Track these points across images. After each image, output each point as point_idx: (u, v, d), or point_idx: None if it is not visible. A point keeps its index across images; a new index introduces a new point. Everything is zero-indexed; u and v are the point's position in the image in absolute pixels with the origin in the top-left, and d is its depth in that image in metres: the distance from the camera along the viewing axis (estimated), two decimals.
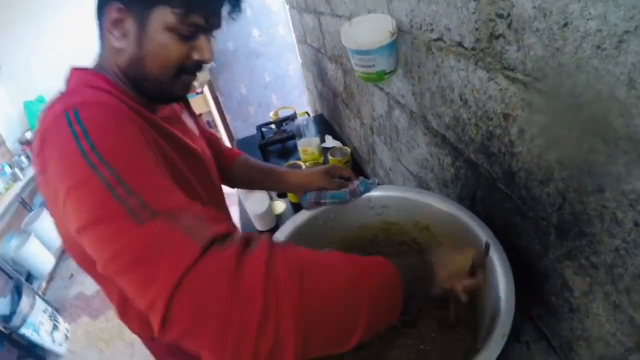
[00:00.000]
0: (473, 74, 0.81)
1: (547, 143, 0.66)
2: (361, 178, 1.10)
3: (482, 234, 0.84)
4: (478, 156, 0.89)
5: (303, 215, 1.06)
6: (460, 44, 0.83)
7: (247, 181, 1.36)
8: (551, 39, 0.58)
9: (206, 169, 1.06)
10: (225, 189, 1.25)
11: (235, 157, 1.35)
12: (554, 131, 0.64)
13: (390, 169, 1.63)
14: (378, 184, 1.08)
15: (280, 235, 0.99)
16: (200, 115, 4.45)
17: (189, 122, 1.11)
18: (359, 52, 1.08)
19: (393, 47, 1.08)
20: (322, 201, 1.07)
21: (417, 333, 0.92)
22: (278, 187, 1.30)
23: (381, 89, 1.39)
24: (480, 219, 0.87)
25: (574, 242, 0.67)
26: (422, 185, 1.30)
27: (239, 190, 1.75)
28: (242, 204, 1.91)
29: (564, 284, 0.73)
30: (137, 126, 0.73)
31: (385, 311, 0.65)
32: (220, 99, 4.22)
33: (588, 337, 0.71)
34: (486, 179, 0.89)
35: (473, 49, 0.79)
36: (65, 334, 3.19)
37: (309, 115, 2.29)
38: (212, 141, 1.28)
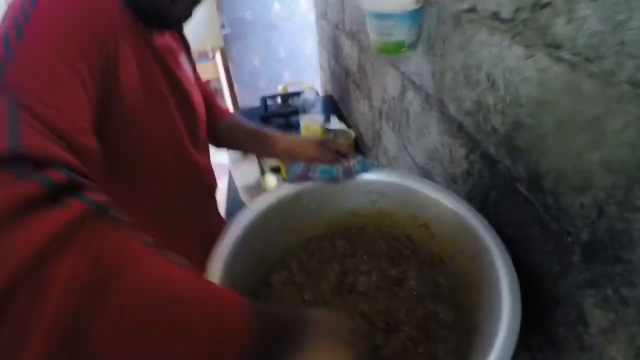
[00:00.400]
0: (507, 50, 0.69)
1: (592, 140, 0.54)
2: (359, 156, 0.96)
3: (490, 242, 0.71)
4: (499, 150, 0.77)
5: (286, 189, 0.93)
6: (495, 15, 0.71)
7: (232, 142, 1.23)
8: (612, 11, 0.47)
9: (192, 110, 0.97)
10: (217, 158, 1.13)
11: (226, 115, 1.23)
12: (604, 125, 0.51)
13: (393, 158, 1.52)
14: (378, 167, 0.95)
15: (253, 210, 0.86)
16: (208, 81, 4.37)
17: (186, 66, 1.01)
18: (377, 17, 0.96)
19: (417, 16, 0.95)
20: (310, 175, 0.93)
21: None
22: (264, 151, 1.17)
23: (397, 68, 1.27)
24: (490, 225, 0.75)
25: (604, 268, 0.55)
26: (427, 179, 1.16)
27: (231, 159, 1.64)
28: (231, 175, 1.79)
29: (580, 316, 0.61)
30: (101, 33, 0.65)
31: None
32: (232, 67, 4.14)
33: None
34: (504, 179, 0.76)
35: (512, 20, 0.66)
36: None
37: (317, 94, 2.16)
38: (206, 96, 1.16)
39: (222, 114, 1.21)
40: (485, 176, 0.84)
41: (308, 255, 0.95)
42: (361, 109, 1.91)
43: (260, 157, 1.66)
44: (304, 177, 0.93)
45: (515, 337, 0.58)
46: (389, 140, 1.53)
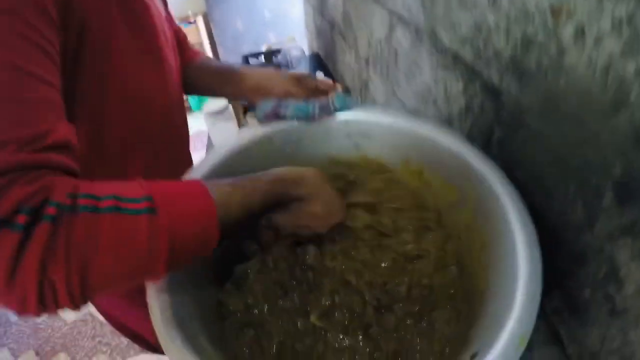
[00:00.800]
0: None
1: (623, 46, 0.42)
2: (339, 91, 0.83)
3: (499, 187, 0.60)
4: (503, 77, 0.64)
5: (254, 131, 0.80)
6: None
7: (200, 85, 1.09)
8: None
9: (155, 42, 0.84)
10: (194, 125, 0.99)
11: (196, 57, 1.09)
12: (639, 26, 0.39)
13: None
14: (361, 104, 0.82)
15: (217, 153, 0.74)
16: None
17: None
18: None
19: None
20: (282, 112, 0.81)
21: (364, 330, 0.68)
22: (233, 91, 1.04)
23: (383, 5, 1.15)
24: (498, 168, 0.64)
25: None
26: None
27: (207, 117, 1.51)
28: (210, 138, 1.67)
29: (612, 272, 0.50)
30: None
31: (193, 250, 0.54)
32: (214, 32, 3.99)
33: (628, 356, 0.50)
34: (511, 111, 0.65)
35: None
36: None
37: (302, 51, 2.04)
38: (177, 36, 1.03)
39: (192, 56, 1.08)
40: (487, 111, 0.72)
41: None
42: (347, 61, 1.81)
43: (230, 98, 1.52)
44: (274, 116, 0.81)
45: (537, 301, 0.49)
46: (377, 89, 1.42)
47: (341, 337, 0.65)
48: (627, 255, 0.46)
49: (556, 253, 0.58)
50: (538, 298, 0.49)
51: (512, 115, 0.64)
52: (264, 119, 0.81)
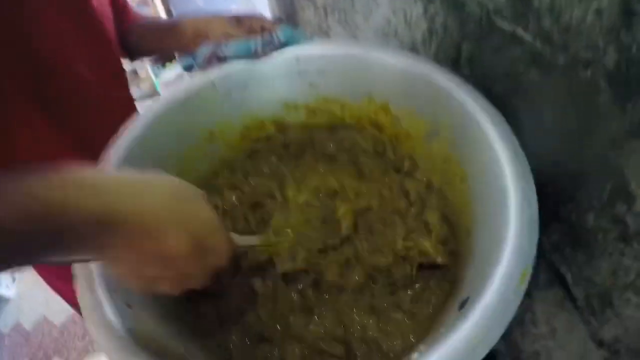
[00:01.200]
0: None
1: None
2: (283, 24, 0.75)
3: (475, 107, 0.52)
4: None
5: (192, 80, 0.71)
6: None
7: (144, 46, 1.03)
8: None
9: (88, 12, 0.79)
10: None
11: (135, 20, 1.03)
12: None
13: None
14: (309, 37, 0.74)
15: (149, 113, 0.66)
16: None
17: None
18: None
19: None
20: (222, 54, 0.73)
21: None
22: (174, 44, 0.96)
23: None
24: (474, 88, 0.56)
25: None
26: None
27: (163, 86, 1.41)
28: None
29: (620, 188, 0.41)
30: None
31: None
32: (174, 12, 3.89)
33: None
34: (478, 19, 0.56)
35: None
36: (12, 276, 2.94)
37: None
38: (116, 1, 0.97)
39: (133, 19, 1.02)
40: (451, 27, 0.64)
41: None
42: (306, 17, 1.76)
43: (175, 53, 1.45)
44: (215, 58, 0.73)
45: (535, 226, 0.43)
46: (337, 37, 1.37)
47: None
48: (636, 163, 0.39)
49: (549, 176, 0.51)
50: (536, 223, 0.43)
51: (479, 24, 0.56)
52: (204, 64, 0.74)
